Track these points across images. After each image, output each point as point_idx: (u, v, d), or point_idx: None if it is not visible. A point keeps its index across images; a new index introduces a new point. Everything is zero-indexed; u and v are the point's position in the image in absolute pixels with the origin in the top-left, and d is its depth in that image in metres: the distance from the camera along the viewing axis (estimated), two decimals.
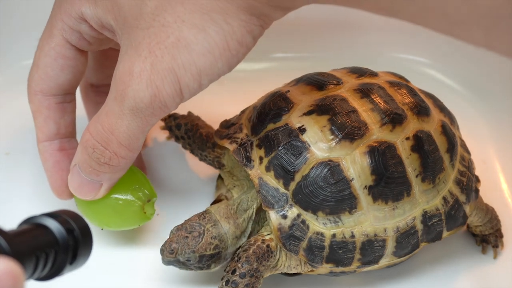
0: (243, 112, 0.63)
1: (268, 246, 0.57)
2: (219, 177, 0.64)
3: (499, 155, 0.74)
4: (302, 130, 0.56)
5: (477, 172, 0.64)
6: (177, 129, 0.66)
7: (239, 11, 0.48)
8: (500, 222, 0.65)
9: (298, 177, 0.56)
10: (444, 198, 0.59)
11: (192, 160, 0.69)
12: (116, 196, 0.58)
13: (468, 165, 0.62)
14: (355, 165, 0.55)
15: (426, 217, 0.58)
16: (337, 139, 0.56)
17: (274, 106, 0.59)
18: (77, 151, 0.55)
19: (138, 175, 0.60)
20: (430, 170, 0.58)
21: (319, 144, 0.56)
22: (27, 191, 0.66)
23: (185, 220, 0.57)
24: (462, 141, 0.63)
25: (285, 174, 0.56)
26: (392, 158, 0.56)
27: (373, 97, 0.58)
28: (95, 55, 0.63)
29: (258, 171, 0.57)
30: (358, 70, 0.62)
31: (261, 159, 0.57)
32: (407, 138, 0.57)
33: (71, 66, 0.56)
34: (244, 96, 0.67)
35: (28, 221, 0.37)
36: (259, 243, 0.57)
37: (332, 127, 0.56)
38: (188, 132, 0.65)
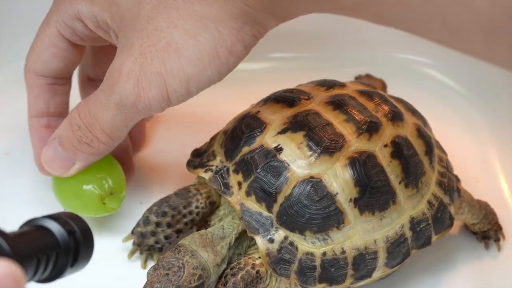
0: (213, 138, 0.62)
1: (257, 272, 0.55)
2: None
3: (499, 155, 0.74)
4: (278, 149, 0.55)
5: (477, 172, 0.63)
6: (167, 227, 0.59)
7: (232, 19, 0.48)
8: (496, 215, 0.64)
9: (280, 198, 0.55)
10: (429, 202, 0.58)
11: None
12: (80, 179, 0.58)
13: (447, 165, 0.61)
14: (338, 178, 0.54)
15: (414, 223, 0.57)
16: (316, 155, 0.55)
17: (246, 129, 0.57)
18: (60, 126, 0.56)
19: (112, 166, 0.60)
20: (412, 175, 0.57)
21: (298, 161, 0.55)
22: (27, 191, 0.66)
23: (158, 260, 0.55)
24: (437, 142, 0.62)
25: (267, 197, 0.55)
26: (373, 167, 0.55)
27: (345, 108, 0.57)
28: (94, 51, 0.64)
29: (238, 197, 0.56)
30: (326, 82, 0.61)
31: (239, 184, 0.56)
32: (386, 145, 0.56)
33: (62, 56, 0.58)
34: (244, 96, 0.67)
35: (29, 223, 0.37)
36: (249, 268, 0.55)
37: (309, 143, 0.55)
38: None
